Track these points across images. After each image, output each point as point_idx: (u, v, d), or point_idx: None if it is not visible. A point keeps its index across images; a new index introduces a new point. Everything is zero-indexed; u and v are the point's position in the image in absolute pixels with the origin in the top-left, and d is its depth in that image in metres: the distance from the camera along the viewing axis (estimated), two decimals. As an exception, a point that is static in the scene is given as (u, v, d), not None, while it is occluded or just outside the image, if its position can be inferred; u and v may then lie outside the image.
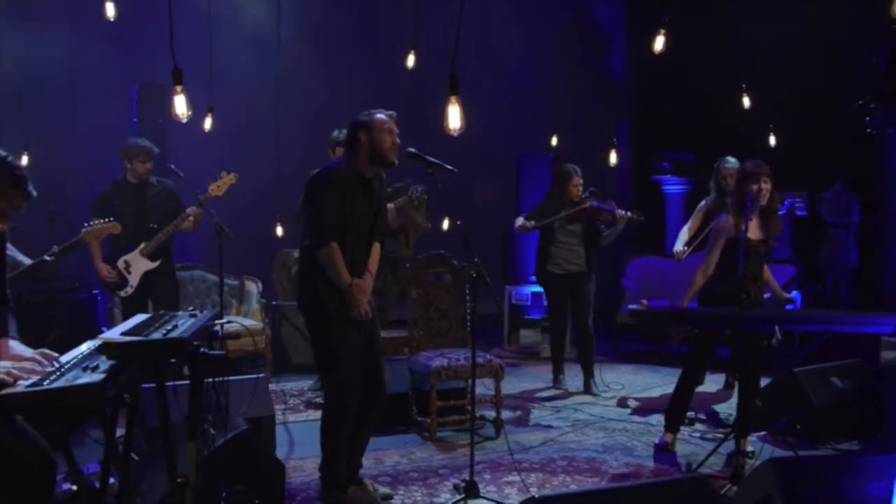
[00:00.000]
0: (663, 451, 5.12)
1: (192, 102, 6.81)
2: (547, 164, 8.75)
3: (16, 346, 2.91)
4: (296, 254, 8.02)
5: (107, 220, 4.73)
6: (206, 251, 7.70)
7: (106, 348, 2.65)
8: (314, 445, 5.08)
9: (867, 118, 6.26)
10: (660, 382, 7.11)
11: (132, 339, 2.70)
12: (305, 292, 4.16)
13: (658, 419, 5.91)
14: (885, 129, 6.26)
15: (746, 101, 6.94)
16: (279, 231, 7.70)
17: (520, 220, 6.78)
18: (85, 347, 3.10)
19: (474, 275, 4.09)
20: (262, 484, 3.85)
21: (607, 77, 10.92)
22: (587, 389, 6.66)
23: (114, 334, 2.78)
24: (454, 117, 2.89)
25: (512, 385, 6.82)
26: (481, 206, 9.15)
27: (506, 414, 5.80)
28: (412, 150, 4.15)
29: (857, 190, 7.37)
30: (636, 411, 6.17)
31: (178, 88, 3.16)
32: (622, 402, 6.43)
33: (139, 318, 3.10)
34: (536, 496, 2.97)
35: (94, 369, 2.65)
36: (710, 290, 5.02)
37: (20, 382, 2.61)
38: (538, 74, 10.04)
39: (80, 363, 2.76)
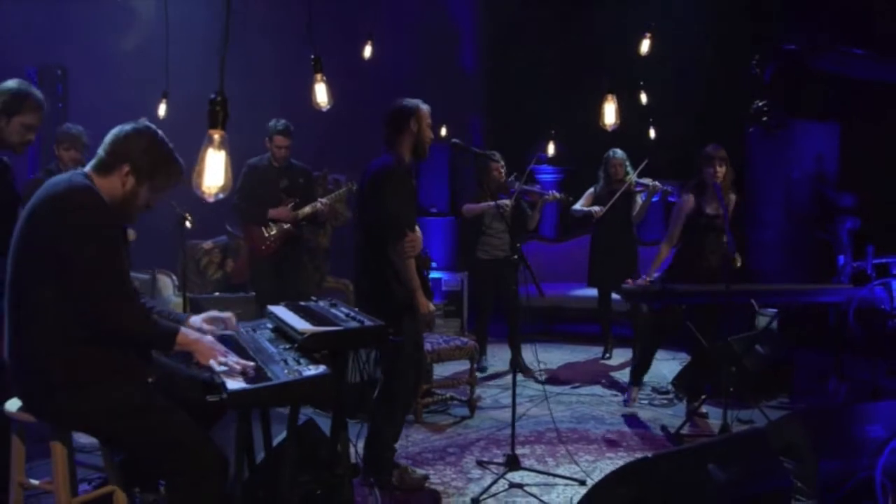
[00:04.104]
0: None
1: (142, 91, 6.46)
2: (446, 151, 9.04)
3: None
4: (205, 245, 7.78)
5: None
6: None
7: (314, 340, 2.64)
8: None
9: (763, 119, 7.10)
10: (570, 358, 7.66)
11: (335, 329, 2.70)
12: (387, 301, 4.00)
13: (602, 390, 6.46)
14: (780, 130, 7.18)
15: (644, 98, 7.59)
16: (188, 223, 7.36)
17: (470, 206, 6.76)
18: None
19: (515, 257, 4.32)
20: (323, 471, 3.84)
21: (459, 72, 11.27)
22: (516, 366, 7.00)
23: (302, 326, 2.75)
24: (610, 114, 3.11)
25: (441, 368, 6.99)
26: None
27: (462, 395, 6.02)
28: (456, 140, 4.30)
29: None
30: (575, 385, 6.64)
31: (319, 77, 3.11)
32: (554, 378, 6.87)
33: (286, 310, 3.05)
34: (650, 455, 3.27)
35: (298, 362, 2.63)
36: (675, 262, 5.65)
37: (228, 380, 2.55)
38: (412, 68, 10.21)
39: (273, 358, 2.72)
